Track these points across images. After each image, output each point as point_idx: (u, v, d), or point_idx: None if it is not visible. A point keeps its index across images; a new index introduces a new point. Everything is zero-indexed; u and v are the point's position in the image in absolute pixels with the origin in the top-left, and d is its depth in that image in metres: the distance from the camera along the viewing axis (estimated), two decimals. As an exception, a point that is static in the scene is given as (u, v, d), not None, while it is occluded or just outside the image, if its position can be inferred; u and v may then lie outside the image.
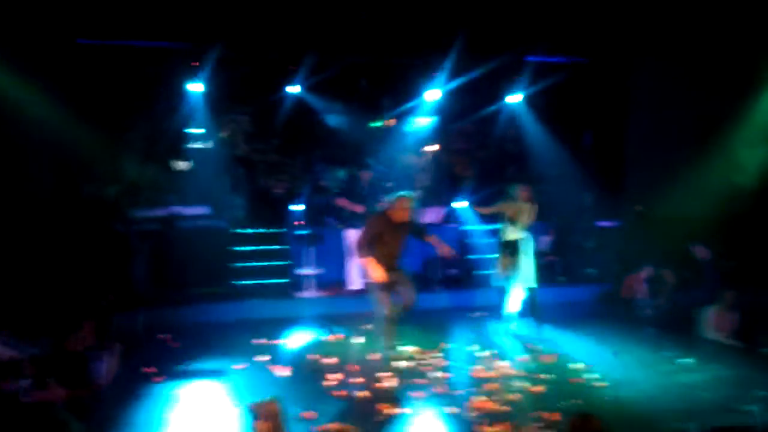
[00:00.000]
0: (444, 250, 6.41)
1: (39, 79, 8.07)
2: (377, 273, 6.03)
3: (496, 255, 7.59)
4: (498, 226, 9.40)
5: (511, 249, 7.31)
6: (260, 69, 10.05)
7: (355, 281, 8.66)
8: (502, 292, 7.49)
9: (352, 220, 8.81)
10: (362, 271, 6.43)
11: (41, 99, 8.10)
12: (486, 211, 7.81)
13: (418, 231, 6.50)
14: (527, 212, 7.18)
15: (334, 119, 10.98)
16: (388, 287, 6.18)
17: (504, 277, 7.42)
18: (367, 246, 6.13)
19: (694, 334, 7.15)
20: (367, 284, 6.34)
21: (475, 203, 8.33)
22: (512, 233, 7.29)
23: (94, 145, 9.29)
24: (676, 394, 5.50)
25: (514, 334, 7.39)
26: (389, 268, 6.17)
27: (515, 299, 7.46)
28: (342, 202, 8.68)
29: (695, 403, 5.27)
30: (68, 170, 8.78)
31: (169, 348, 6.80)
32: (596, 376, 5.88)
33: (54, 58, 8.47)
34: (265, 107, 10.83)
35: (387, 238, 6.18)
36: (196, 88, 9.95)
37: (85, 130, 9.00)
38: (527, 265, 7.28)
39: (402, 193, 6.27)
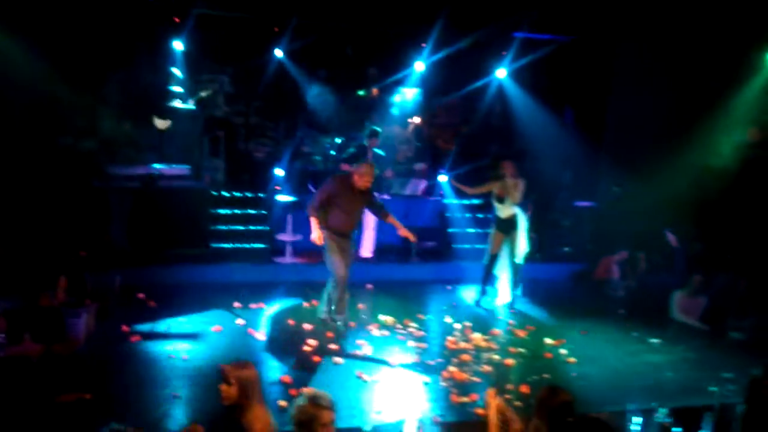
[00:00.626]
0: (403, 232, 6.29)
1: (14, 30, 7.85)
2: (316, 234, 6.02)
3: (483, 231, 7.63)
4: (477, 201, 9.53)
5: (504, 226, 7.37)
6: (243, 29, 9.88)
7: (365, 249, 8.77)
8: (487, 267, 7.55)
9: None
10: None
11: (17, 49, 7.89)
12: (473, 191, 7.80)
13: (378, 208, 6.43)
14: (515, 189, 7.21)
15: (315, 90, 10.77)
16: (341, 251, 6.15)
17: (494, 254, 7.49)
18: (319, 205, 6.10)
19: (664, 316, 7.36)
20: (322, 248, 6.25)
21: (459, 181, 8.26)
22: (504, 210, 7.33)
23: (70, 97, 9.09)
24: (642, 372, 5.68)
25: (489, 307, 7.51)
26: (342, 234, 6.17)
27: (502, 275, 7.57)
28: (346, 168, 8.56)
29: (660, 382, 5.45)
30: (44, 122, 8.59)
31: (147, 308, 6.78)
32: (566, 351, 6.04)
33: (30, 8, 8.22)
34: (247, 69, 10.67)
35: (344, 204, 6.11)
36: (177, 45, 9.77)
37: (62, 82, 8.79)
38: (518, 241, 7.36)
39: (367, 160, 6.25)
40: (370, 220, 8.70)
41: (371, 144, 8.81)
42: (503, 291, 7.60)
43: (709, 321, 7.05)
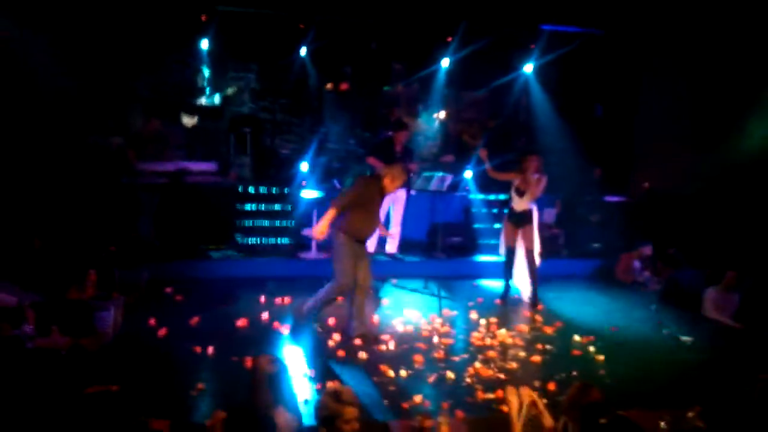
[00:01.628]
0: (383, 232, 6.75)
1: (44, 28, 7.99)
2: (321, 227, 5.68)
3: (502, 225, 7.60)
4: (503, 196, 9.42)
5: (516, 219, 7.30)
6: (269, 27, 9.92)
7: (371, 245, 8.66)
8: (507, 261, 7.49)
9: None
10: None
11: (47, 47, 8.04)
12: (494, 173, 7.65)
13: None
14: (536, 184, 7.13)
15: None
16: (355, 258, 5.84)
17: (508, 247, 7.42)
18: (347, 205, 5.75)
19: (696, 313, 7.17)
20: (333, 250, 5.91)
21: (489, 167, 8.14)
22: (521, 204, 7.26)
23: (100, 95, 9.23)
24: (673, 371, 5.54)
25: (515, 303, 7.43)
26: (361, 240, 5.90)
27: (519, 269, 7.49)
28: (372, 161, 8.45)
29: (691, 381, 5.30)
30: (74, 119, 8.74)
31: (174, 302, 6.86)
32: (594, 349, 5.93)
33: (60, 8, 8.36)
34: (273, 66, 10.72)
35: (372, 206, 5.87)
36: (203, 44, 9.85)
37: (92, 81, 8.93)
38: (531, 236, 7.28)
39: (401, 163, 6.12)
40: (397, 216, 8.65)
41: (398, 138, 8.48)
42: (523, 286, 7.52)
43: (742, 319, 6.85)
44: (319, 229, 5.73)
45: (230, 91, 10.60)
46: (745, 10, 8.34)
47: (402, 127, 8.58)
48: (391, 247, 8.77)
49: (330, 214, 5.69)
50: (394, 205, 8.57)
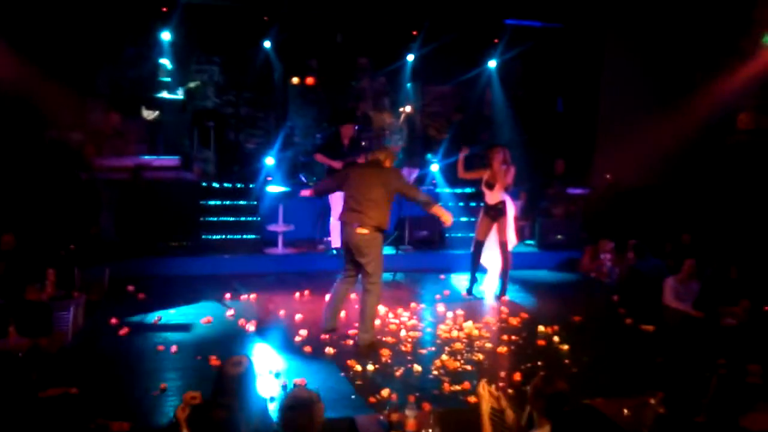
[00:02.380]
0: None
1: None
2: (449, 215, 5.84)
3: (476, 219, 7.63)
4: (470, 189, 9.50)
5: (491, 213, 7.33)
6: (232, 19, 9.78)
7: (336, 240, 8.57)
8: (474, 255, 7.53)
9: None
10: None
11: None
12: (469, 175, 7.69)
13: None
14: (504, 174, 7.18)
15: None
16: None
17: (480, 240, 7.45)
18: None
19: (657, 302, 7.32)
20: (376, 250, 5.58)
21: (455, 167, 8.18)
22: (493, 197, 7.30)
23: (57, 90, 8.96)
24: (635, 359, 5.65)
25: (481, 295, 7.48)
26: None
27: (488, 262, 7.53)
28: (320, 158, 8.36)
29: (653, 368, 5.42)
30: (30, 115, 8.48)
31: (136, 300, 6.72)
32: (559, 339, 6.00)
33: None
34: (236, 59, 10.58)
35: None
36: (164, 36, 9.66)
37: (49, 76, 8.66)
38: (505, 228, 7.33)
39: (384, 145, 6.08)
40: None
41: (344, 131, 8.21)
42: (492, 279, 7.57)
43: (702, 307, 7.01)
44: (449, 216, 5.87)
45: (193, 84, 10.41)
46: (700, 4, 8.54)
47: (346, 120, 8.36)
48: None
49: (438, 206, 5.91)
50: None
